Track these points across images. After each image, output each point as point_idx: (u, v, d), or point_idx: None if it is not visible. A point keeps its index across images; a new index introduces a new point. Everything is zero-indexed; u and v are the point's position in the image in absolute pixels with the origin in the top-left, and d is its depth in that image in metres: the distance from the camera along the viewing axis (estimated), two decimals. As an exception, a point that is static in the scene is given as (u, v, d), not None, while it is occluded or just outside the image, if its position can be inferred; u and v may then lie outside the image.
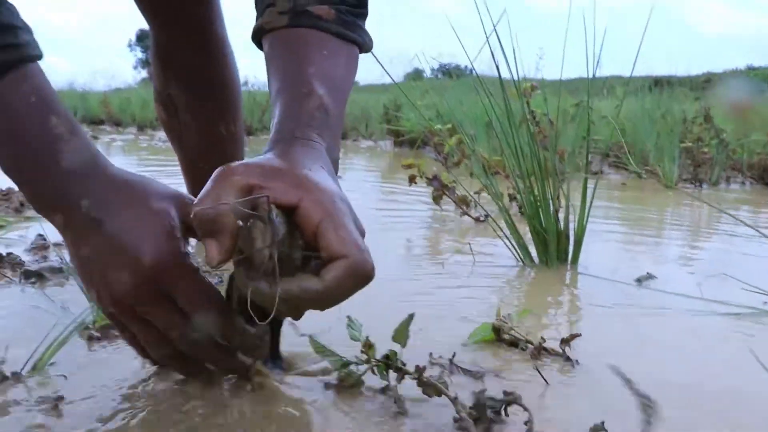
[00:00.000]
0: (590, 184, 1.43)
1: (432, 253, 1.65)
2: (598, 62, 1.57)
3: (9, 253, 1.31)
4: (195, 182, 1.51)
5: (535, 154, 1.49)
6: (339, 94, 0.77)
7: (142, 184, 0.68)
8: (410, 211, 2.22)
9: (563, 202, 1.45)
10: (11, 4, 0.68)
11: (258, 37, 0.83)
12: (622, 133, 4.02)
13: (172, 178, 2.50)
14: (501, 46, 1.61)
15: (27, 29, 0.68)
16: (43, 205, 0.67)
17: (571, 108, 4.45)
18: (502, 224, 1.52)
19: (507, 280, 1.35)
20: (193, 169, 1.50)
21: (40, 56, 0.68)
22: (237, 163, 0.61)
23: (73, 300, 1.08)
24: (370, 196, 2.75)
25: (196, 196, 0.60)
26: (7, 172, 0.68)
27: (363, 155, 4.78)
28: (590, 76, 1.58)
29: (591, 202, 1.42)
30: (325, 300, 0.58)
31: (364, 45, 0.84)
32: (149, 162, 4.02)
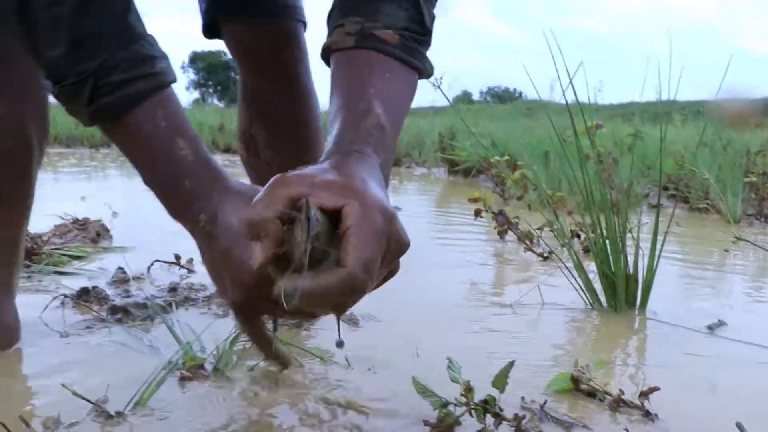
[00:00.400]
0: (655, 221, 1.44)
1: (499, 293, 1.66)
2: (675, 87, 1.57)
3: (94, 287, 1.37)
4: None
5: (604, 196, 1.50)
6: (396, 115, 0.82)
7: (252, 197, 0.72)
8: (471, 242, 2.24)
9: (631, 243, 1.46)
10: (150, 36, 0.77)
11: (326, 55, 0.87)
12: (681, 165, 3.97)
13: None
14: (569, 76, 1.61)
15: (163, 57, 0.77)
16: (172, 215, 0.76)
17: (628, 138, 4.43)
18: (566, 260, 1.53)
19: (577, 326, 1.36)
20: None
21: (173, 81, 0.77)
22: (291, 173, 0.66)
23: (159, 338, 1.13)
24: (428, 226, 2.78)
25: None
26: (146, 185, 0.76)
27: (417, 183, 4.81)
28: (666, 98, 1.59)
29: (662, 248, 1.43)
30: (315, 299, 0.61)
31: (425, 71, 0.87)
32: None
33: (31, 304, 1.27)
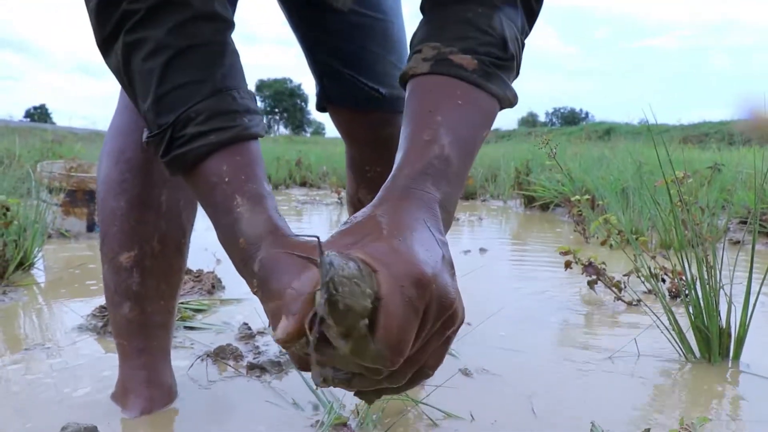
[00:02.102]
0: (749, 277, 1.51)
1: (595, 342, 1.75)
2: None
3: (228, 344, 1.52)
4: None
5: (693, 243, 1.58)
6: (466, 145, 0.77)
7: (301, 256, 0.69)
8: (553, 283, 2.33)
9: (725, 294, 1.53)
10: (243, 90, 0.81)
11: (404, 80, 0.86)
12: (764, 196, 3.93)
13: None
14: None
15: (247, 111, 0.79)
16: (234, 264, 0.75)
17: (706, 171, 4.43)
18: (656, 307, 1.61)
19: (671, 376, 1.44)
20: None
21: (253, 135, 0.79)
22: (335, 233, 0.67)
23: (297, 394, 1.27)
24: (513, 267, 2.87)
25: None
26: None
27: (495, 217, 4.88)
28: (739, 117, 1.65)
29: (756, 302, 1.50)
30: (343, 364, 0.60)
31: (505, 99, 0.83)
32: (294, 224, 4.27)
33: (179, 360, 1.43)
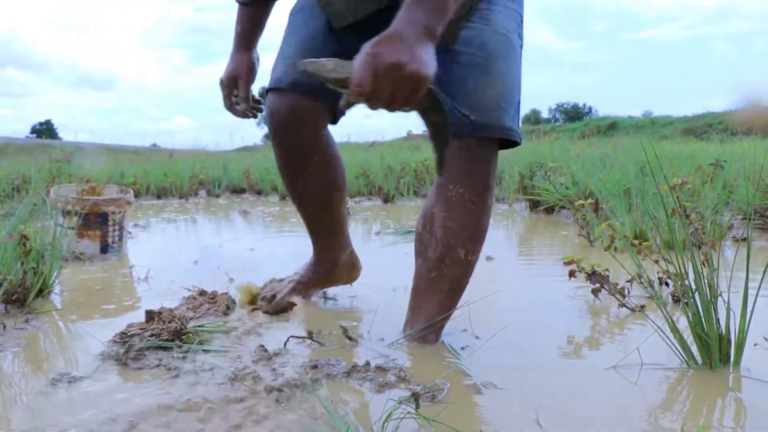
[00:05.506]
0: (745, 282, 1.56)
1: (599, 351, 1.80)
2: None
3: (245, 366, 1.58)
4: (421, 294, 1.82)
5: (691, 254, 1.63)
6: None
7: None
8: (559, 291, 2.39)
9: (723, 301, 1.58)
10: None
11: None
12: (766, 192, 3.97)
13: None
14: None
15: None
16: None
17: (708, 167, 4.47)
18: (660, 312, 1.66)
19: (674, 384, 1.50)
20: (428, 279, 1.77)
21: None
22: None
23: (316, 416, 1.33)
24: (517, 276, 2.93)
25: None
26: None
27: (501, 221, 4.93)
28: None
29: (753, 309, 1.55)
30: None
31: None
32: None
33: (200, 384, 1.49)
